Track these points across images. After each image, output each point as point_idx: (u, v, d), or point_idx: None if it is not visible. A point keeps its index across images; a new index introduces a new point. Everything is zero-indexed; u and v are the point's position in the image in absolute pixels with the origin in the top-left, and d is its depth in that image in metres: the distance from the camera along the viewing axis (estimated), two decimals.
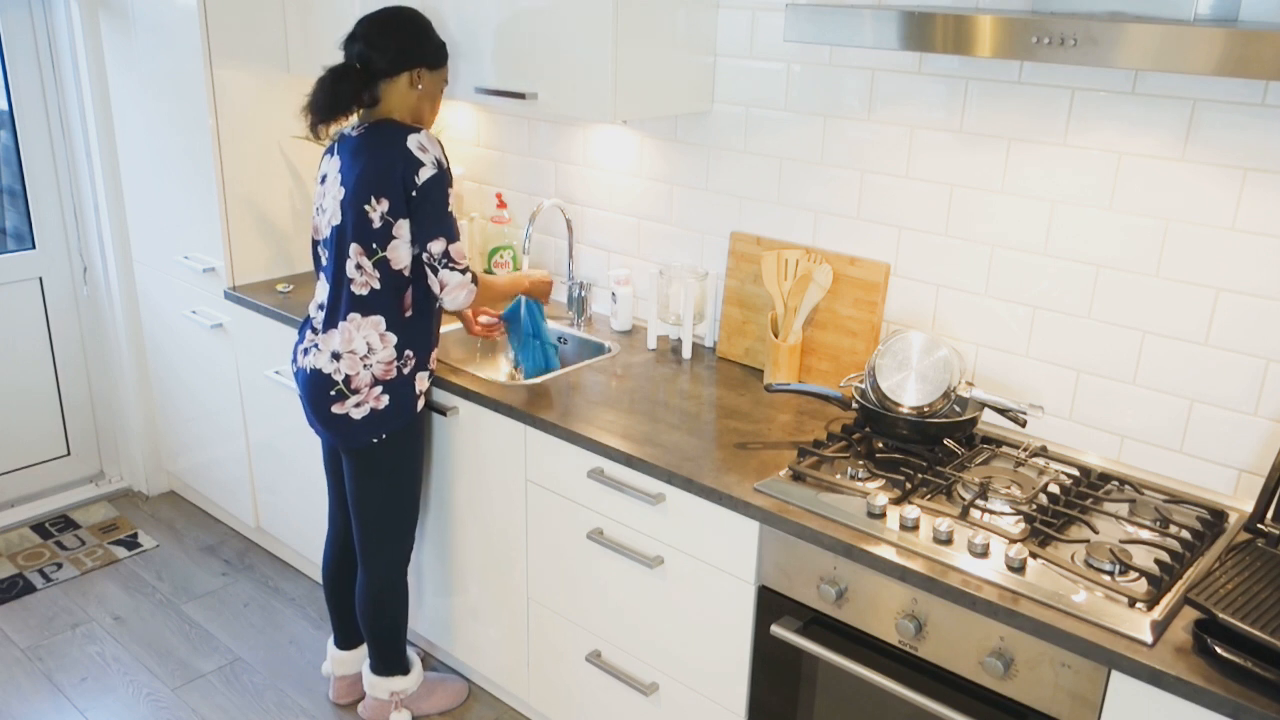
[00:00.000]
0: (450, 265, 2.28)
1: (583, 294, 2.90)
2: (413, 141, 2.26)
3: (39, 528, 3.65)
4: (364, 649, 2.79)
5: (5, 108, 3.44)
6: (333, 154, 2.39)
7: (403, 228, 2.28)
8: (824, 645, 1.90)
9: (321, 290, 2.44)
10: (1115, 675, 1.58)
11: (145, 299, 3.62)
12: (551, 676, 2.57)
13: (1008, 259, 2.20)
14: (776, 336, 2.49)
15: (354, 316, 2.34)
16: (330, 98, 2.30)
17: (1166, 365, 2.04)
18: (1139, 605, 1.64)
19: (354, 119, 2.39)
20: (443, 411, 2.54)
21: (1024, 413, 2.11)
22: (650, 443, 2.19)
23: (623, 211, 2.90)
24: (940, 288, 2.32)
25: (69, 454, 3.82)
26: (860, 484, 2.01)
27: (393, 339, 2.35)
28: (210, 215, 3.15)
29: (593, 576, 2.36)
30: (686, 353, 2.69)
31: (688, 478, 2.05)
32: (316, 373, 2.39)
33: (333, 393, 2.37)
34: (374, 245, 2.29)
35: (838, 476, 2.04)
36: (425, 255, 2.29)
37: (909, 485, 1.99)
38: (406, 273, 2.33)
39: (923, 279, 2.35)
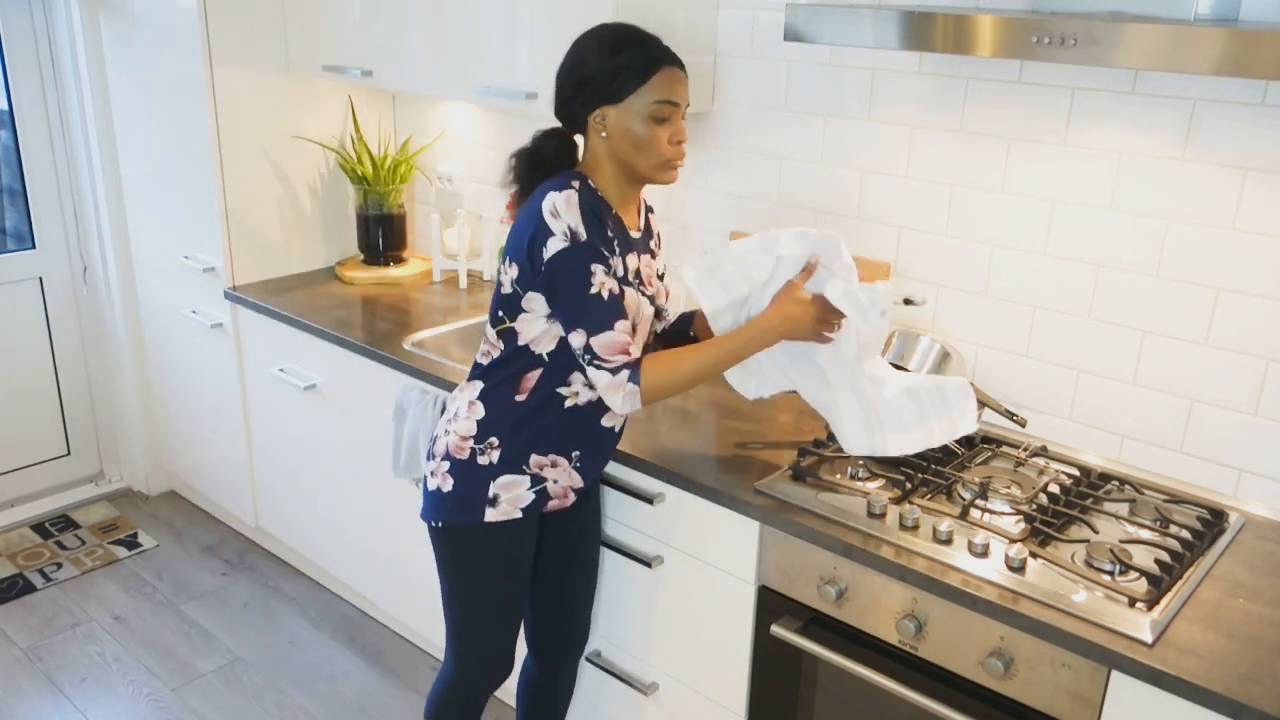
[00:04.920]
0: (596, 363, 1.78)
1: None
2: (548, 203, 1.76)
3: (39, 527, 3.65)
4: None
5: (5, 108, 3.44)
6: None
7: (535, 301, 1.82)
8: (824, 645, 1.90)
9: None
10: (1115, 675, 1.58)
11: (145, 299, 3.62)
12: None
13: (1008, 259, 2.20)
14: None
15: (472, 381, 1.98)
16: (524, 170, 1.89)
17: (1166, 365, 2.04)
18: (1139, 605, 1.64)
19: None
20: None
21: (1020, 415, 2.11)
22: (650, 442, 2.19)
23: None
24: (940, 288, 2.32)
25: (69, 454, 3.82)
26: (860, 484, 2.01)
27: (480, 411, 1.91)
28: (210, 215, 3.15)
29: None
30: None
31: (688, 477, 2.05)
32: None
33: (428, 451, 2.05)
34: (500, 313, 1.89)
35: (838, 476, 2.04)
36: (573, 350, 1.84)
37: (909, 485, 1.99)
38: (537, 350, 1.86)
39: (923, 279, 2.34)
